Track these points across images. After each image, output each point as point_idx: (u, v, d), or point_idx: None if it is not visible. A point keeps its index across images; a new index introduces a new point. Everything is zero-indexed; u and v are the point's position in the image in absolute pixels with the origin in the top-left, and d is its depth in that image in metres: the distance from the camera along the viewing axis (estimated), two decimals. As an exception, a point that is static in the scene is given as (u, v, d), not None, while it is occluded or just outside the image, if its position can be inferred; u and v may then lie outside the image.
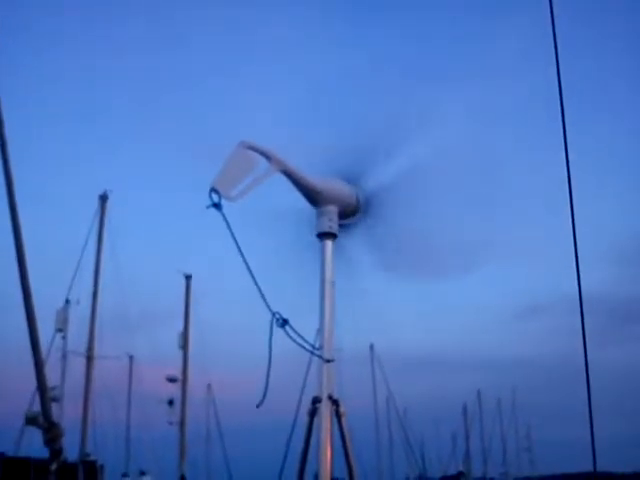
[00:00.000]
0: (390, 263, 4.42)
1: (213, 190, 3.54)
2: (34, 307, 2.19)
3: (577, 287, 3.27)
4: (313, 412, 3.81)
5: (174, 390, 26.78)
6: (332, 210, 4.09)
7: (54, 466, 2.35)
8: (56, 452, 2.37)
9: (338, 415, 3.82)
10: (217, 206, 3.53)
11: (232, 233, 3.54)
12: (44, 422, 2.32)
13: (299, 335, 3.69)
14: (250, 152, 3.75)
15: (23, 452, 18.79)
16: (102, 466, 22.87)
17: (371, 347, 43.50)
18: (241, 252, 3.55)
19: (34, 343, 2.22)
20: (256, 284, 3.56)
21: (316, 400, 3.83)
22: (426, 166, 4.28)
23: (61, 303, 23.86)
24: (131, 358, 32.38)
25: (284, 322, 3.64)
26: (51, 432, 2.34)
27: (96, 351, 24.08)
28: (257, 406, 3.71)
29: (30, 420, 2.30)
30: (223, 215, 3.54)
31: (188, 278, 28.38)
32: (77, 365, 24.23)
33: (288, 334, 3.64)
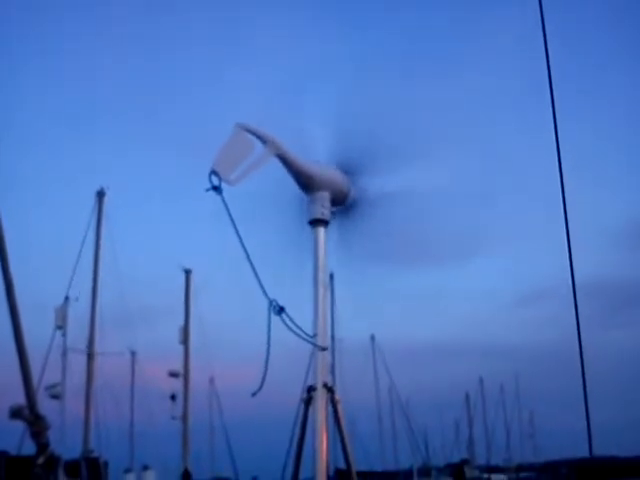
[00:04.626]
0: (386, 252, 4.37)
1: (213, 172, 3.44)
2: (15, 293, 2.14)
3: (575, 272, 3.22)
4: (308, 400, 3.79)
5: (176, 385, 26.76)
6: (324, 196, 4.04)
7: (41, 460, 2.31)
8: (42, 446, 2.32)
9: (333, 403, 3.80)
10: (217, 189, 3.43)
11: (231, 217, 3.45)
12: (29, 415, 2.27)
13: (295, 324, 3.65)
14: (247, 135, 3.68)
15: (26, 451, 18.78)
16: (106, 463, 22.84)
17: (372, 337, 43.60)
18: (239, 237, 3.47)
19: (16, 331, 2.17)
20: (253, 270, 3.50)
21: (311, 388, 3.80)
22: (422, 153, 4.22)
23: (60, 300, 23.87)
24: (133, 354, 32.42)
25: (280, 310, 3.59)
26: (37, 425, 2.29)
27: (97, 348, 24.04)
28: (253, 394, 3.67)
29: (14, 413, 2.25)
30: (222, 199, 3.44)
31: (188, 273, 28.29)
32: (78, 362, 24.25)
33: (284, 322, 3.60)
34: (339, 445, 3.95)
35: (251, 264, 3.49)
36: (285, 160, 3.83)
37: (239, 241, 3.48)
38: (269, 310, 3.58)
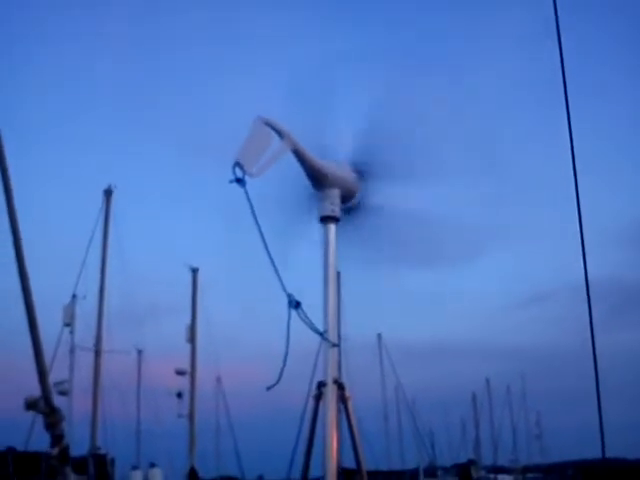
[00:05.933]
0: (392, 251, 4.37)
1: (237, 164, 3.44)
2: (30, 287, 2.16)
3: (583, 272, 3.21)
4: (319, 396, 3.79)
5: (183, 383, 26.82)
6: (335, 194, 4.04)
7: (56, 451, 2.34)
8: (57, 437, 2.35)
9: (344, 399, 3.80)
10: (240, 181, 3.44)
11: (253, 210, 3.45)
12: (44, 407, 2.30)
13: (308, 319, 3.68)
14: (266, 128, 3.69)
15: (33, 447, 18.87)
16: (113, 460, 22.96)
17: (379, 337, 43.61)
18: (260, 231, 3.46)
19: (32, 324, 2.19)
20: (273, 264, 3.51)
21: (322, 384, 3.80)
22: (429, 151, 4.22)
23: (68, 298, 23.96)
24: (140, 352, 32.50)
25: (297, 304, 3.62)
26: (52, 417, 2.32)
27: (104, 345, 24.13)
28: (268, 388, 3.69)
29: (30, 405, 2.28)
30: (246, 191, 3.44)
31: (195, 271, 28.36)
32: (86, 360, 24.36)
33: (300, 316, 3.63)
34: (345, 443, 3.96)
35: (270, 258, 3.50)
36: (300, 155, 3.83)
37: (259, 235, 3.48)
38: (289, 304, 3.60)
